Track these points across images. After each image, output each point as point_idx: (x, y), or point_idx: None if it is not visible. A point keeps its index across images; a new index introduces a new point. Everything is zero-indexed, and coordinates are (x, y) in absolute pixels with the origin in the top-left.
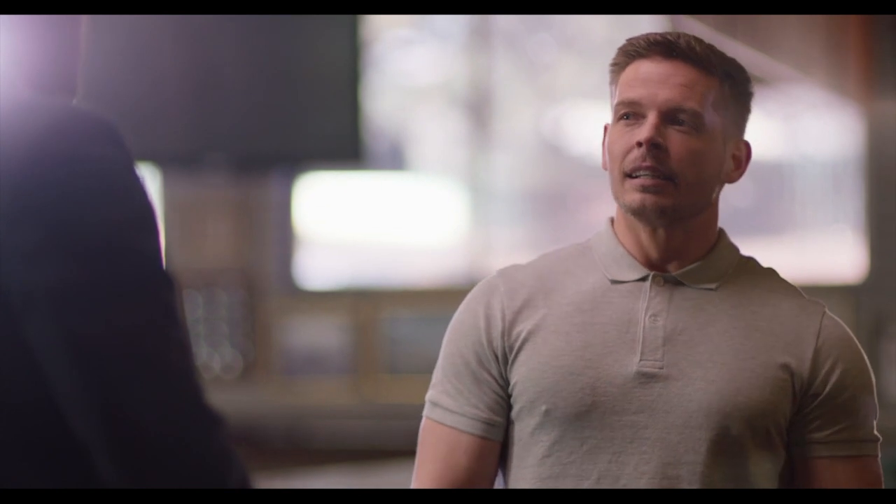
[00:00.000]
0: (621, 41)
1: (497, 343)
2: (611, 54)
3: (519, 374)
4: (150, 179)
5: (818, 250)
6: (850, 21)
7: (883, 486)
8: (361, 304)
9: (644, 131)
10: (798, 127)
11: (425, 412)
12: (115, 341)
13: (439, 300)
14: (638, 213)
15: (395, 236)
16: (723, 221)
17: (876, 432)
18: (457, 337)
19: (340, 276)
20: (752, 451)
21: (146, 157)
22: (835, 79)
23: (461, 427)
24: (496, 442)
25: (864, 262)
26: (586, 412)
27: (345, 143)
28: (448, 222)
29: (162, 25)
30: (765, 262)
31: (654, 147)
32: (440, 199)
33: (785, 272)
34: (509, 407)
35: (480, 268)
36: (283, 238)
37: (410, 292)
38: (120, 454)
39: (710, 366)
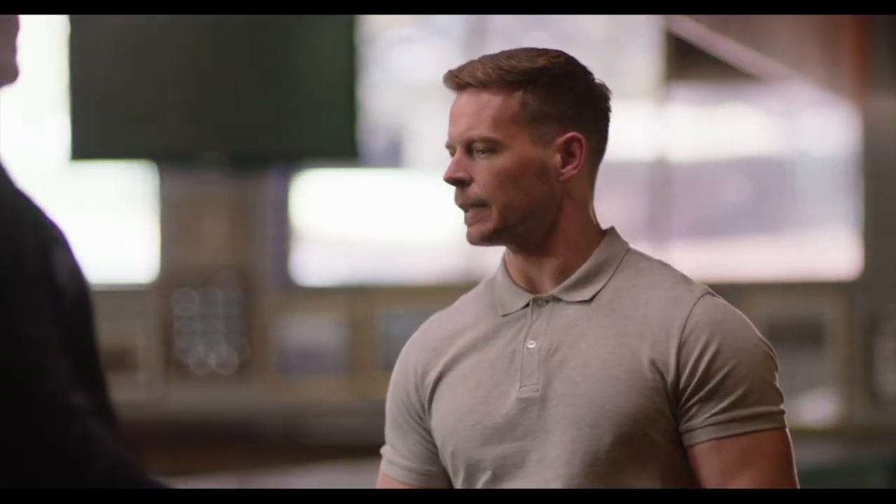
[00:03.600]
0: (618, 40)
1: (414, 397)
2: (608, 52)
3: (433, 423)
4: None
5: (814, 247)
6: (845, 19)
7: (792, 460)
8: (358, 301)
9: (446, 171)
10: (794, 125)
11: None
12: None
13: (436, 297)
14: (474, 244)
15: (393, 233)
16: (720, 219)
17: (770, 407)
18: (389, 392)
19: (337, 273)
20: (630, 458)
21: (143, 155)
22: (829, 76)
23: (393, 475)
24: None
25: (860, 258)
26: (480, 447)
27: (342, 140)
28: (445, 220)
29: (159, 23)
30: (762, 259)
31: (458, 182)
32: (437, 196)
33: (781, 269)
34: None
35: (477, 265)
36: (280, 235)
37: (407, 289)
38: None
39: (580, 380)
